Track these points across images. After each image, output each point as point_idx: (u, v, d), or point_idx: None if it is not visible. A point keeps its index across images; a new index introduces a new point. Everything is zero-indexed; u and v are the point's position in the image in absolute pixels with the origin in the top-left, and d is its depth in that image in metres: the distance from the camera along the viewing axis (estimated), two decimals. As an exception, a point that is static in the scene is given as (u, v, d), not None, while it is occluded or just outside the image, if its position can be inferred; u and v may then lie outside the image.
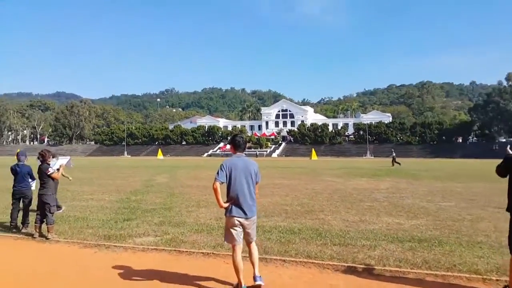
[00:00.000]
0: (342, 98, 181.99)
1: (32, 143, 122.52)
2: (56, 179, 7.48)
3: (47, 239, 6.94)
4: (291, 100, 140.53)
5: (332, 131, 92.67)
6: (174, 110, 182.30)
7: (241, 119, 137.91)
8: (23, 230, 7.58)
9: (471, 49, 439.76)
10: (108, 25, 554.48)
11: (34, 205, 7.88)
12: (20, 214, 7.85)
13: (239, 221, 4.73)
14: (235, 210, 4.75)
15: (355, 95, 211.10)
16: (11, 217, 7.81)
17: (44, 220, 7.10)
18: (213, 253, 6.03)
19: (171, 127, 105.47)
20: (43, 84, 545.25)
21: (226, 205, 4.80)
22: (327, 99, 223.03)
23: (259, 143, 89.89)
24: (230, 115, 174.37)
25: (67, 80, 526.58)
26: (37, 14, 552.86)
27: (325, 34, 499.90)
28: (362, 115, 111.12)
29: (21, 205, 7.92)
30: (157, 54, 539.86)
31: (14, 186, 7.80)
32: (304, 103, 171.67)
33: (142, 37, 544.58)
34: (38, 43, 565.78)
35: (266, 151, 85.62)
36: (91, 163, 46.37)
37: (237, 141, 4.97)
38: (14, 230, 7.63)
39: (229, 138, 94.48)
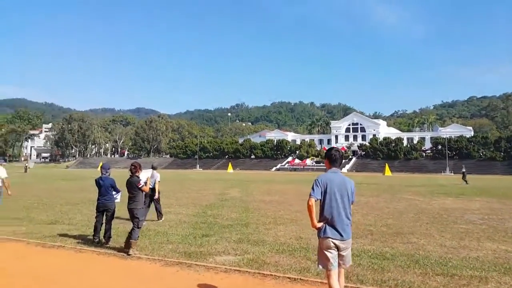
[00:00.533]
0: (417, 111, 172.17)
1: (113, 156, 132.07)
2: (145, 191, 7.38)
3: (128, 254, 6.83)
4: (362, 113, 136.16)
5: (407, 146, 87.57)
6: (244, 124, 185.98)
7: (310, 132, 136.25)
8: (105, 245, 7.65)
9: None
10: (184, 42, 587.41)
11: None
12: (103, 228, 7.95)
13: (334, 243, 4.19)
14: (329, 231, 4.25)
15: (431, 107, 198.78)
16: (94, 230, 7.94)
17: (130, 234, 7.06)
18: (300, 278, 5.50)
19: (240, 141, 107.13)
20: (125, 100, 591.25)
21: (319, 225, 4.30)
22: (401, 112, 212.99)
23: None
24: (299, 129, 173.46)
25: (146, 96, 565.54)
26: (118, 33, 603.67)
27: (398, 44, 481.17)
28: (440, 128, 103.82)
29: (104, 218, 8.04)
30: (229, 69, 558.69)
31: (98, 199, 7.94)
32: (376, 116, 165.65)
33: (215, 54, 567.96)
34: (122, 62, 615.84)
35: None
36: (166, 175, 48.42)
37: (333, 155, 4.48)
38: (97, 244, 7.72)
39: (297, 152, 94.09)
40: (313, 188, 4.33)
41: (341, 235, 4.23)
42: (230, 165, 77.12)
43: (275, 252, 7.26)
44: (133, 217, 7.02)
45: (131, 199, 7.09)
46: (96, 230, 7.87)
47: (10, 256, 6.87)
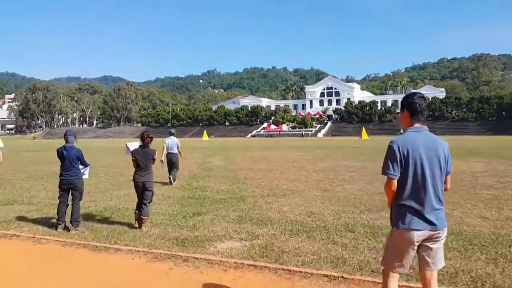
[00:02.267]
0: (389, 73, 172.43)
1: (81, 125, 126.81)
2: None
3: (141, 228, 5.95)
4: (335, 77, 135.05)
5: (381, 109, 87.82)
6: (217, 91, 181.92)
7: (284, 98, 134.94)
8: (72, 231, 5.97)
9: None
10: (150, 7, 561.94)
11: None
12: (70, 210, 6.22)
13: (419, 237, 2.74)
14: (413, 220, 2.79)
15: (403, 70, 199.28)
16: (58, 213, 6.19)
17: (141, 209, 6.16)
18: (342, 276, 4.06)
19: (214, 108, 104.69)
20: (90, 68, 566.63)
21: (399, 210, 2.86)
22: (373, 76, 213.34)
23: (303, 122, 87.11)
24: (273, 94, 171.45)
25: (113, 64, 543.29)
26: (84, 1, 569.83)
27: (368, 6, 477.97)
28: (413, 90, 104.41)
29: (71, 199, 6.30)
30: (198, 35, 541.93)
31: (61, 174, 6.16)
32: (349, 80, 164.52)
33: (183, 19, 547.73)
34: (85, 28, 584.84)
35: (311, 130, 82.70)
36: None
37: (417, 104, 2.96)
38: (61, 230, 6.05)
39: (273, 117, 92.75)
40: (388, 161, 2.82)
41: (432, 223, 2.77)
42: (205, 132, 75.05)
43: (289, 234, 5.83)
44: (145, 191, 6.26)
45: (143, 171, 6.26)
46: (61, 213, 6.11)
47: None
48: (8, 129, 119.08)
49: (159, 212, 7.36)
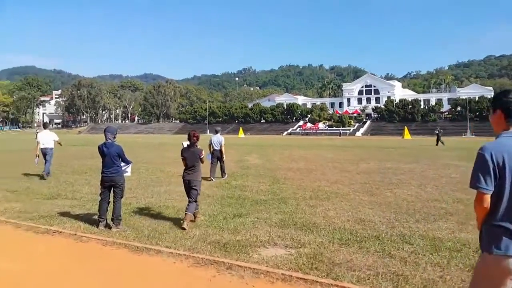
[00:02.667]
0: (432, 71, 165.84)
1: (124, 121, 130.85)
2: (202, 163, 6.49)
3: (183, 229, 5.80)
4: (374, 75, 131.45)
5: (424, 108, 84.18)
6: (252, 89, 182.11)
7: (321, 96, 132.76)
8: (113, 229, 5.84)
9: None
10: (187, 5, 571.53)
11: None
12: (111, 207, 6.11)
13: None
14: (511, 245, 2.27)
15: (446, 68, 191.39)
16: (99, 210, 6.09)
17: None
18: (407, 298, 3.59)
19: (250, 105, 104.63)
20: (132, 66, 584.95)
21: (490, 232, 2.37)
22: (414, 73, 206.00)
23: (341, 121, 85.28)
24: (308, 92, 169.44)
25: (153, 62, 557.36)
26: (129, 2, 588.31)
27: (407, 2, 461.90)
28: (458, 89, 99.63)
29: (112, 196, 6.20)
30: (234, 33, 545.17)
31: (102, 171, 6.06)
32: (389, 78, 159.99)
33: (219, 18, 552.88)
34: (127, 29, 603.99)
35: (349, 129, 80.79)
36: (178, 141, 46.73)
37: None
38: (102, 227, 5.93)
39: (309, 116, 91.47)
40: (478, 172, 2.31)
41: (538, 251, 2.26)
42: (241, 129, 75.34)
43: (338, 243, 5.38)
44: (190, 189, 6.25)
45: (191, 169, 6.28)
46: (102, 210, 6.02)
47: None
48: (55, 123, 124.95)
49: (199, 211, 7.11)
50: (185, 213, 6.10)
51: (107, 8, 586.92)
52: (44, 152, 11.75)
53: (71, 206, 7.43)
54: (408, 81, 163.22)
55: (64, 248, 5.10)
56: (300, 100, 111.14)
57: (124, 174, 6.16)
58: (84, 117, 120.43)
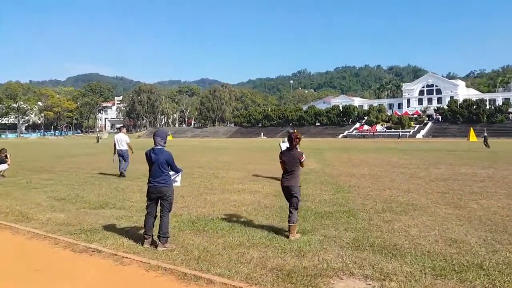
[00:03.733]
0: (499, 69, 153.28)
1: (181, 125, 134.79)
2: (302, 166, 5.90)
3: (288, 238, 5.42)
4: (435, 74, 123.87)
5: (490, 108, 77.64)
6: (307, 91, 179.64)
7: (378, 97, 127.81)
8: (159, 248, 5.06)
9: None
10: (242, 9, 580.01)
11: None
12: (158, 223, 5.33)
13: None
14: None
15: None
16: (144, 226, 5.34)
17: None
18: None
19: (304, 108, 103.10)
20: (190, 72, 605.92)
21: None
22: (478, 72, 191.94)
23: (400, 122, 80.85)
24: (365, 93, 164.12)
25: (210, 67, 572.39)
26: (182, 8, 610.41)
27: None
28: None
29: (159, 210, 5.41)
30: (289, 35, 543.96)
31: (148, 181, 5.32)
32: (450, 77, 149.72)
33: (272, 21, 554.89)
34: (185, 35, 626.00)
35: (409, 131, 76.36)
36: (233, 144, 46.68)
37: None
38: (147, 245, 5.18)
39: (366, 117, 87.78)
40: None
41: None
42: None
43: (431, 273, 4.22)
44: (291, 197, 5.70)
45: (289, 174, 5.72)
46: (148, 226, 5.26)
47: (20, 268, 4.56)
48: (117, 128, 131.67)
49: (255, 225, 6.24)
50: (289, 225, 5.60)
51: (165, 15, 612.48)
52: (120, 153, 13.08)
53: (117, 218, 6.84)
54: (472, 80, 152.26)
55: (101, 272, 4.40)
56: (357, 101, 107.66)
57: (173, 184, 5.41)
58: (143, 121, 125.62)
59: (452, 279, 4.07)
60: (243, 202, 8.26)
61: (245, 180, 11.99)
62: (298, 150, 5.92)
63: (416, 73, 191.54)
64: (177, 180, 5.50)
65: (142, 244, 5.19)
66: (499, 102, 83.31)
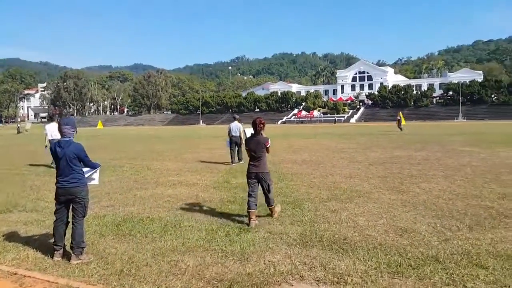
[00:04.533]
0: (423, 57, 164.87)
1: (112, 113, 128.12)
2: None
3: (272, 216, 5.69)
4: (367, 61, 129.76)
5: (417, 93, 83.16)
6: (245, 78, 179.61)
7: (315, 83, 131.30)
8: (73, 262, 4.14)
9: None
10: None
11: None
12: (70, 230, 4.35)
13: None
14: None
15: (436, 53, 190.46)
16: (54, 235, 4.36)
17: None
18: None
19: (243, 94, 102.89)
20: (122, 57, 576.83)
21: None
22: (406, 59, 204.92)
23: (335, 108, 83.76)
24: (302, 80, 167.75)
25: (144, 52, 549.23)
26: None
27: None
28: (449, 74, 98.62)
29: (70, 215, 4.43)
30: (227, 22, 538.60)
31: (56, 181, 4.35)
32: (380, 64, 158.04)
33: (210, 6, 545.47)
34: (116, 18, 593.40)
35: (344, 116, 79.49)
36: (170, 132, 45.00)
37: None
38: (58, 258, 4.24)
39: (303, 103, 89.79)
40: None
41: None
42: (234, 119, 73.56)
43: (388, 271, 3.85)
44: (261, 182, 5.69)
45: (257, 160, 5.67)
46: (58, 235, 4.28)
47: None
48: (41, 117, 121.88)
49: (193, 225, 5.52)
50: (269, 208, 5.80)
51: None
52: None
53: (26, 223, 5.74)
54: (400, 67, 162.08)
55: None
56: (294, 88, 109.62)
57: (89, 183, 4.49)
58: (70, 110, 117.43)
59: (410, 277, 3.72)
60: (179, 197, 7.47)
61: (182, 171, 11.14)
62: (263, 135, 5.75)
63: (349, 61, 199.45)
64: (95, 178, 4.59)
65: (52, 257, 4.26)
66: (424, 87, 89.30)
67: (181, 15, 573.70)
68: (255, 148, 5.63)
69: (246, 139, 5.90)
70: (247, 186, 5.78)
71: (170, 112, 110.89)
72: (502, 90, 75.63)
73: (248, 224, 5.43)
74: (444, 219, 5.67)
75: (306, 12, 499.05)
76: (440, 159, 12.64)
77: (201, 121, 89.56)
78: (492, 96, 76.66)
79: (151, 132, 47.20)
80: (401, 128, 31.84)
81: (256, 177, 5.66)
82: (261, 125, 5.70)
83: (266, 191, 5.69)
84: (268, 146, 5.65)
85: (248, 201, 5.58)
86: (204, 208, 6.60)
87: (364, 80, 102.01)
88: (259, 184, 5.71)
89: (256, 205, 5.58)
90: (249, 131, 6.21)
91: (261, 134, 5.75)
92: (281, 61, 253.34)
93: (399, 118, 33.39)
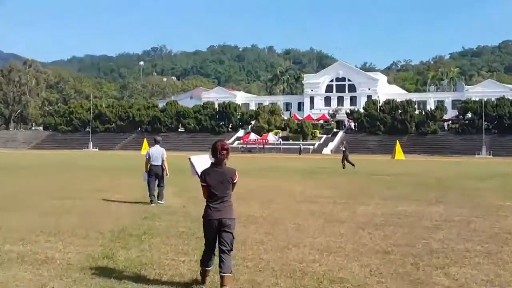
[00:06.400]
0: (430, 61, 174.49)
1: None
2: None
3: None
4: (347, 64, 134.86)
5: (420, 113, 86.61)
6: (165, 79, 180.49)
7: (271, 92, 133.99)
8: None
9: None
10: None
11: None
12: None
13: None
14: None
15: (447, 56, 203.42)
16: None
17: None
18: None
19: (161, 104, 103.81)
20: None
21: None
22: (403, 64, 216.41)
23: (301, 131, 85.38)
24: (252, 86, 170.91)
25: (4, 35, 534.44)
26: None
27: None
28: (467, 87, 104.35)
29: None
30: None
31: None
32: (368, 69, 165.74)
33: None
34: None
35: (314, 144, 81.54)
36: (38, 160, 42.73)
37: None
38: None
39: (253, 122, 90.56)
40: None
41: None
42: (145, 142, 71.80)
43: None
44: (223, 232, 6.03)
45: (219, 202, 6.08)
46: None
47: None
48: None
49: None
50: (222, 275, 5.84)
51: None
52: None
53: None
54: (395, 74, 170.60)
55: None
56: (240, 98, 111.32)
57: None
58: None
59: None
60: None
61: (34, 232, 9.69)
62: (227, 166, 6.16)
63: (321, 61, 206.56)
64: None
65: None
66: (431, 105, 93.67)
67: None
68: (217, 184, 5.98)
69: (203, 171, 6.25)
70: (204, 240, 6.21)
71: (41, 128, 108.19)
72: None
73: None
74: None
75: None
76: (470, 220, 12.21)
77: (91, 143, 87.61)
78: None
79: (6, 159, 44.63)
80: (350, 163, 32.91)
81: (219, 224, 5.98)
82: (224, 152, 6.03)
83: (227, 247, 5.97)
84: (235, 181, 6.13)
85: (203, 259, 6.18)
86: None
87: (344, 91, 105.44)
88: (218, 237, 6.09)
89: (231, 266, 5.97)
90: (204, 160, 6.72)
91: (225, 164, 6.06)
92: (221, 57, 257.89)
93: (343, 148, 34.53)
